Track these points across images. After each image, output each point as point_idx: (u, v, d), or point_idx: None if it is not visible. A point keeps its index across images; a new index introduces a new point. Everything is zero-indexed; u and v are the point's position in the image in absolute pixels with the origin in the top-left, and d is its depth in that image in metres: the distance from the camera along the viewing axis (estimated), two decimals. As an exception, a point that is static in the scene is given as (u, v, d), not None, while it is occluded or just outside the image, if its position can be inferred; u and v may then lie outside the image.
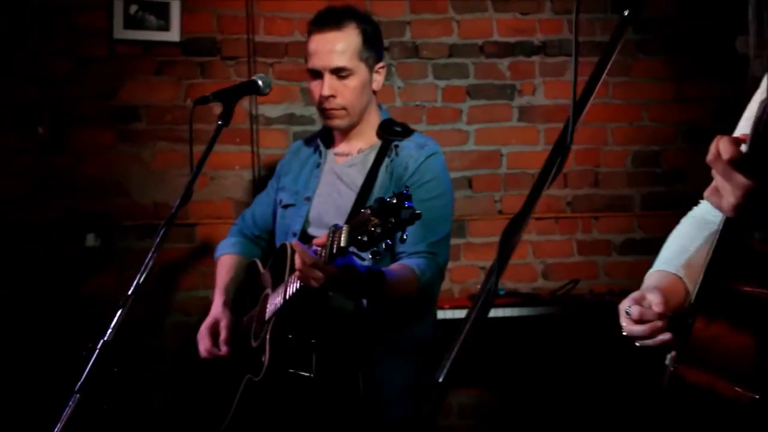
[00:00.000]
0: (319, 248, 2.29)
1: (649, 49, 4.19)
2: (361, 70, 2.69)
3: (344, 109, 2.69)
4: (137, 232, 3.97)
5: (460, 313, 3.67)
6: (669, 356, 1.59)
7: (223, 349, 2.73)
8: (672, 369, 1.50)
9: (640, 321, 1.65)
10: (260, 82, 2.70)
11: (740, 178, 1.20)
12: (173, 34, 3.96)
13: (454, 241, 4.12)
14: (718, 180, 1.25)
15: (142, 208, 3.99)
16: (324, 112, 2.72)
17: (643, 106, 4.22)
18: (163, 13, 3.95)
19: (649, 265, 4.37)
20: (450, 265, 4.14)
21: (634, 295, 1.70)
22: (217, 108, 2.66)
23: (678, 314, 1.62)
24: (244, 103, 4.06)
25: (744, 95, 4.32)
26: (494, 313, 3.71)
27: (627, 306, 1.69)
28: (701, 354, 1.44)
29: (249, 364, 2.57)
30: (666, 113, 4.22)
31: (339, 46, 2.65)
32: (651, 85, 4.21)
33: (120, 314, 2.23)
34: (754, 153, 1.17)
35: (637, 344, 1.67)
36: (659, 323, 1.61)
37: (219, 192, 4.03)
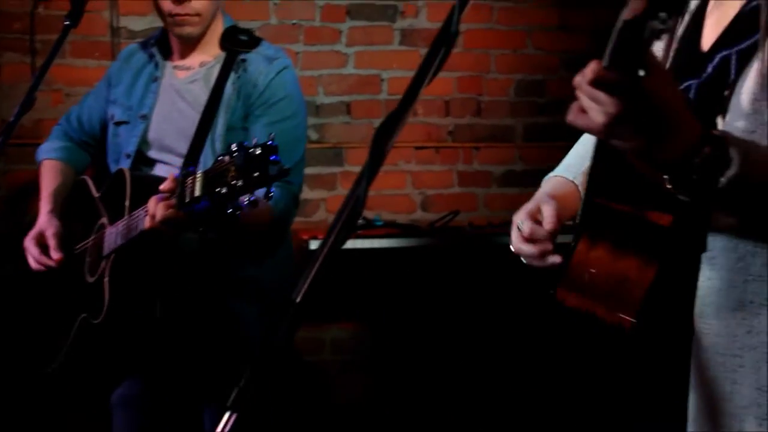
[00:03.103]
0: (167, 193, 2.07)
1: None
2: None
3: (198, 15, 2.42)
4: (-18, 152, 3.62)
5: (336, 244, 3.49)
6: None
7: (55, 256, 2.46)
8: (551, 292, 1.39)
9: (529, 239, 1.51)
10: None
11: (603, 97, 1.11)
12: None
13: (329, 170, 3.97)
14: (583, 101, 1.14)
15: (-12, 125, 3.64)
16: (174, 19, 2.43)
17: (527, 33, 4.10)
18: None
19: (530, 197, 4.31)
20: (325, 194, 3.98)
21: (529, 206, 1.56)
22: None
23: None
24: (104, 14, 3.73)
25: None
26: (370, 243, 3.55)
27: (519, 220, 1.54)
28: (581, 278, 1.37)
29: (84, 302, 2.35)
30: (550, 41, 4.11)
31: None
32: (535, 11, 4.08)
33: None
34: (614, 70, 1.09)
35: (524, 261, 1.54)
36: (550, 246, 1.48)
37: (75, 110, 3.70)
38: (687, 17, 1.41)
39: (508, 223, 4.15)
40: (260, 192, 1.92)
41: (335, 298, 3.76)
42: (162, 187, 2.07)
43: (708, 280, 1.31)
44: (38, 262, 2.48)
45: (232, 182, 1.84)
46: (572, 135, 4.56)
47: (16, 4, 3.65)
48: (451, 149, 4.06)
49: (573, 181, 1.65)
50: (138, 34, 3.75)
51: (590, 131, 1.17)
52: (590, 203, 1.37)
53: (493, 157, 4.08)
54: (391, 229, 3.71)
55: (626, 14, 1.07)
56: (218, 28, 2.50)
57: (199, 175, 1.95)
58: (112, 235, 2.31)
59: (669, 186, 1.17)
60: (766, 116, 1.23)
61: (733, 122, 1.25)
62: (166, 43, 2.57)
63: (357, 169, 3.96)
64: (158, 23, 3.71)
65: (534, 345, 3.32)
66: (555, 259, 1.47)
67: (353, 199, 1.09)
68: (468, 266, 3.71)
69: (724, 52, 1.30)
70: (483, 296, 3.76)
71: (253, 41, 2.49)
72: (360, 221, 3.82)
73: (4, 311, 3.38)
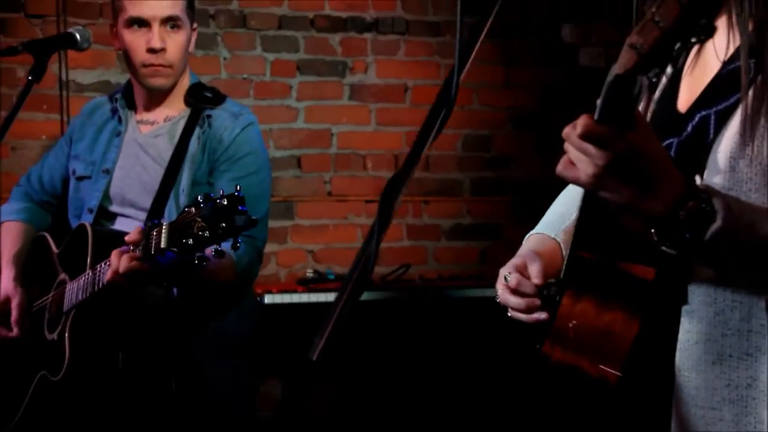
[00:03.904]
0: (132, 246, 2.04)
1: (480, 31, 4.15)
2: (187, 25, 2.44)
3: (171, 66, 2.42)
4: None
5: (288, 298, 3.49)
6: None
7: (15, 330, 2.42)
8: (537, 347, 1.40)
9: (516, 291, 1.53)
10: (78, 36, 2.39)
11: (592, 150, 1.13)
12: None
13: (280, 223, 3.97)
14: (572, 153, 1.17)
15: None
16: (146, 69, 2.41)
17: (474, 89, 4.19)
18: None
19: (478, 251, 4.36)
20: (276, 248, 3.97)
21: (516, 261, 1.57)
22: (24, 69, 2.36)
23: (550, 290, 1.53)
24: (53, 67, 3.70)
25: (572, 83, 4.35)
26: (324, 297, 3.55)
27: (507, 272, 1.55)
28: (565, 331, 1.37)
29: (43, 359, 2.30)
30: (496, 98, 4.20)
31: None
32: (481, 68, 4.17)
33: None
34: (604, 124, 1.12)
35: (509, 315, 1.55)
36: (537, 300, 1.50)
37: (22, 164, 3.64)
38: (664, 80, 1.46)
39: (458, 277, 4.19)
40: (227, 244, 1.90)
41: (289, 352, 3.73)
42: (127, 238, 2.04)
43: (687, 332, 1.33)
44: None
45: (199, 233, 1.82)
46: (518, 190, 4.66)
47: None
48: (401, 202, 4.09)
49: (555, 239, 1.68)
50: (86, 87, 3.74)
51: (578, 183, 1.20)
52: (575, 257, 1.39)
53: (442, 211, 4.14)
54: (342, 282, 3.71)
55: (617, 68, 1.10)
56: (185, 84, 2.50)
57: (164, 226, 1.92)
58: (73, 290, 2.27)
59: (656, 239, 1.21)
60: (743, 174, 1.27)
61: (711, 179, 1.29)
62: (131, 97, 2.56)
63: (308, 222, 3.98)
64: (106, 77, 3.75)
65: (496, 398, 3.34)
66: (541, 315, 1.48)
67: (364, 257, 1.10)
68: (420, 320, 3.72)
69: (704, 112, 1.34)
70: (434, 349, 3.77)
71: (218, 98, 2.50)
72: (311, 275, 3.82)
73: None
